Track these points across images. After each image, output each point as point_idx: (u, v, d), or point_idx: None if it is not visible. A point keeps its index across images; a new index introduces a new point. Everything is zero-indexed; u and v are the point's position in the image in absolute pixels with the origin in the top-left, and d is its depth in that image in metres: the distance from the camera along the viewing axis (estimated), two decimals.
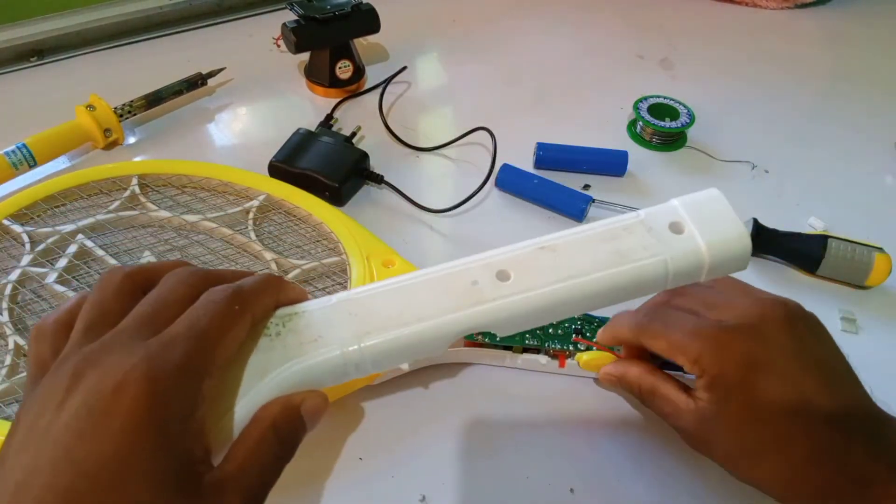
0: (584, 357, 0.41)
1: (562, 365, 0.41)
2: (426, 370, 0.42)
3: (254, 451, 0.24)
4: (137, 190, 0.51)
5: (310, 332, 0.27)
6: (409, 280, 0.29)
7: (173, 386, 0.22)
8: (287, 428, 0.25)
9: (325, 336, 0.27)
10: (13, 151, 0.52)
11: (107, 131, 0.56)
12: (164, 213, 0.49)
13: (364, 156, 0.54)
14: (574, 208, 0.53)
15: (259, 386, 0.25)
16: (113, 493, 0.20)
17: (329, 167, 0.52)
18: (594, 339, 0.41)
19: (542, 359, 0.41)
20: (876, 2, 0.83)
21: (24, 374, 0.40)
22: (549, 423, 0.41)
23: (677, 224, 0.33)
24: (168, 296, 0.25)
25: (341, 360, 0.27)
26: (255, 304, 0.26)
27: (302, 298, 0.28)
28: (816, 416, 0.32)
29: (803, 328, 0.34)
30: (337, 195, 0.52)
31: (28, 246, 0.46)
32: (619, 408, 0.42)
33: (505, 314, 0.29)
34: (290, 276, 0.46)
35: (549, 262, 0.30)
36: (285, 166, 0.53)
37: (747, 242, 0.32)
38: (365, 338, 0.27)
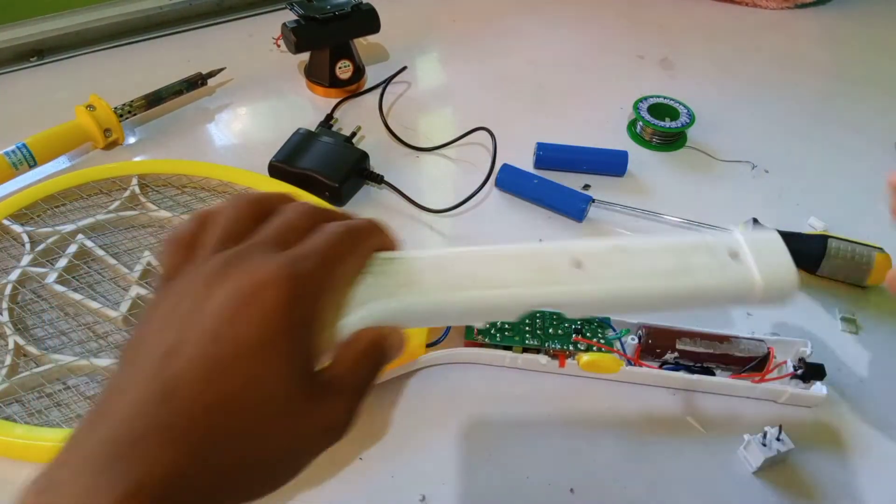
0: (584, 357, 0.41)
1: (562, 365, 0.41)
2: (426, 370, 0.42)
3: (355, 363, 0.27)
4: (137, 190, 0.51)
5: (405, 277, 0.31)
6: (491, 250, 0.33)
7: (307, 291, 0.25)
8: (377, 352, 0.28)
9: (418, 283, 0.31)
10: (13, 151, 0.52)
11: (107, 131, 0.56)
12: (164, 213, 0.49)
13: (364, 156, 0.54)
14: (574, 208, 0.53)
15: (357, 312, 0.29)
16: (253, 368, 0.23)
17: (329, 167, 0.52)
18: (595, 339, 0.41)
19: (542, 359, 0.41)
20: (876, 2, 0.83)
21: (24, 373, 0.40)
22: (549, 423, 0.41)
23: (737, 252, 0.36)
24: (292, 222, 0.28)
25: (431, 306, 0.31)
26: (366, 241, 0.29)
27: (397, 246, 0.32)
28: None
29: None
30: (337, 195, 0.52)
31: (28, 246, 0.46)
32: (620, 408, 0.42)
33: (575, 298, 0.32)
34: None
35: (620, 260, 0.34)
36: (285, 166, 0.53)
37: (795, 282, 0.35)
38: (453, 292, 0.31)
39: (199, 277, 0.25)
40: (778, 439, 0.38)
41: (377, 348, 0.28)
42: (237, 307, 0.23)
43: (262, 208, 0.28)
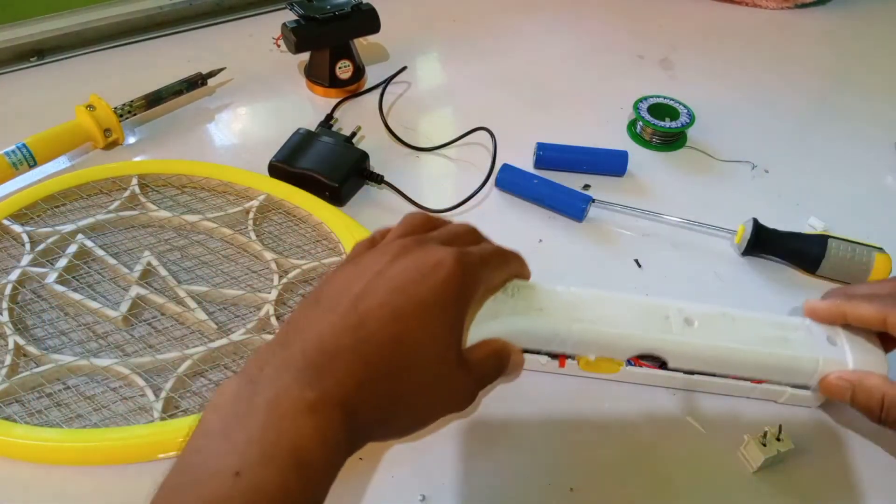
0: (583, 358, 0.41)
1: (562, 365, 0.41)
2: None
3: (486, 357, 0.33)
4: (137, 190, 0.51)
5: (536, 302, 0.36)
6: (615, 296, 0.38)
7: (470, 277, 0.31)
8: (502, 359, 0.33)
9: (546, 309, 0.36)
10: (13, 151, 0.52)
11: (107, 131, 0.56)
12: (164, 213, 0.49)
13: (364, 156, 0.54)
14: (574, 208, 0.53)
15: (491, 322, 0.34)
16: (426, 321, 0.29)
17: (329, 167, 0.52)
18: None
19: (542, 359, 0.41)
20: (876, 2, 0.83)
21: (24, 373, 0.40)
22: (549, 423, 0.41)
23: (833, 338, 0.40)
24: (457, 232, 0.34)
25: (553, 331, 0.36)
26: (512, 262, 0.36)
27: (529, 276, 0.37)
28: None
29: None
30: (337, 195, 0.52)
31: (28, 246, 0.46)
32: (620, 408, 0.42)
33: (683, 350, 0.38)
34: (291, 275, 0.46)
35: (728, 326, 0.39)
36: (285, 166, 0.53)
37: (886, 372, 0.38)
38: (576, 323, 0.36)
39: (381, 254, 0.31)
40: (778, 439, 0.38)
41: (502, 357, 0.33)
42: (419, 273, 0.29)
43: (433, 223, 0.35)
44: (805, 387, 0.40)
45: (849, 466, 0.39)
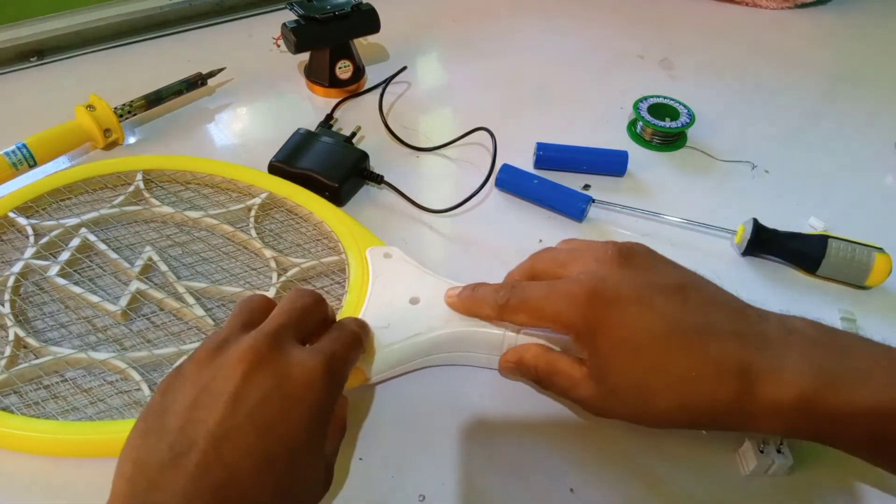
0: None
1: None
2: (427, 370, 0.42)
3: (338, 442, 0.35)
4: (142, 185, 0.51)
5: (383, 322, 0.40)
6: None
7: (338, 385, 0.31)
8: (343, 430, 0.36)
9: (392, 325, 0.40)
10: (13, 151, 0.52)
11: (107, 131, 0.56)
12: (167, 209, 0.49)
13: (364, 156, 0.54)
14: (574, 208, 0.53)
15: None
16: (301, 457, 0.28)
17: (329, 167, 0.52)
18: None
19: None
20: (876, 2, 0.83)
21: (23, 364, 0.40)
22: (549, 423, 0.41)
23: None
24: (304, 307, 0.33)
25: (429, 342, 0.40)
26: (361, 344, 0.36)
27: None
28: (682, 327, 0.33)
29: (639, 258, 0.36)
30: (337, 195, 0.52)
31: (32, 238, 0.46)
32: None
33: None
34: (290, 273, 0.46)
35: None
36: (285, 166, 0.53)
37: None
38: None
39: (231, 367, 0.28)
40: (779, 451, 0.37)
41: (344, 427, 0.36)
42: (285, 400, 0.27)
43: (271, 305, 0.33)
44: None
45: (848, 488, 0.39)
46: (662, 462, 0.39)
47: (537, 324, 0.37)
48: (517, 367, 0.39)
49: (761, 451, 0.38)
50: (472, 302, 0.40)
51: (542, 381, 0.39)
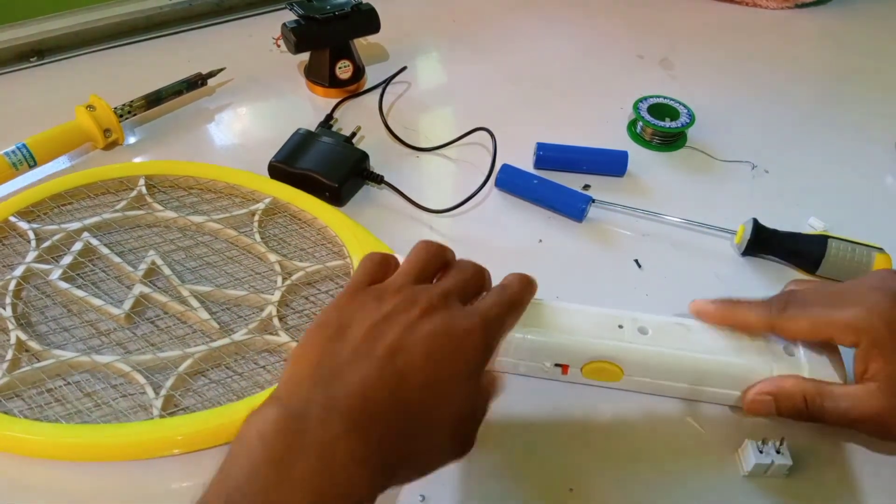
0: (587, 366, 0.40)
1: (564, 372, 0.41)
2: None
3: (488, 400, 0.35)
4: (144, 190, 0.51)
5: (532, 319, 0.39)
6: (569, 306, 0.41)
7: (493, 344, 0.33)
8: (496, 392, 0.35)
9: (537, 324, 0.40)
10: (13, 151, 0.52)
11: (107, 131, 0.56)
12: (170, 214, 0.49)
13: (364, 156, 0.54)
14: (574, 208, 0.53)
15: None
16: (455, 392, 0.31)
17: (329, 167, 0.52)
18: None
19: (546, 363, 0.41)
20: (876, 2, 0.83)
21: (25, 368, 0.40)
22: (550, 423, 0.41)
23: (791, 350, 0.39)
24: (467, 278, 0.35)
25: (506, 340, 0.38)
26: (524, 304, 0.37)
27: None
28: None
29: None
30: (337, 195, 0.52)
31: (34, 243, 0.46)
32: (619, 408, 0.41)
33: (636, 357, 0.39)
34: (294, 278, 0.46)
35: (682, 334, 0.40)
36: (285, 166, 0.53)
37: (845, 380, 0.38)
38: (529, 331, 0.39)
39: (408, 303, 0.32)
40: (778, 452, 0.37)
41: (498, 388, 0.35)
42: (451, 343, 0.31)
43: (444, 257, 0.36)
44: None
45: (847, 488, 0.39)
46: (662, 462, 0.39)
47: (819, 333, 0.36)
48: (776, 398, 0.37)
49: (760, 452, 0.37)
50: (732, 310, 0.39)
51: (810, 407, 0.36)
